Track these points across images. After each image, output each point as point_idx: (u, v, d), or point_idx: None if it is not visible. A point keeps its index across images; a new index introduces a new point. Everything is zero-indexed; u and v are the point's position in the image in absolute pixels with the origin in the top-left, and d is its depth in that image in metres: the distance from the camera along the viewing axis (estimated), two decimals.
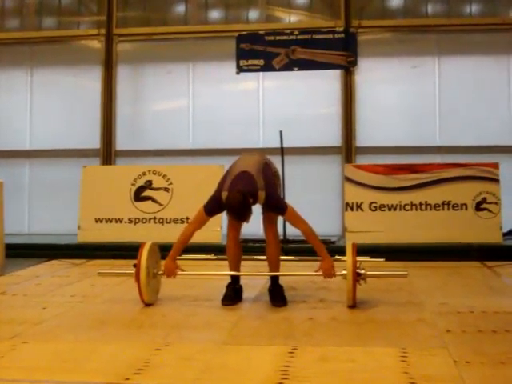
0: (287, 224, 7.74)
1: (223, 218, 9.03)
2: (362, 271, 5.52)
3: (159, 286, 6.07)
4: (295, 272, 6.52)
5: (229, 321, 5.16)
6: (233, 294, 5.78)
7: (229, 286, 5.85)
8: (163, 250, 8.95)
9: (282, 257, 5.90)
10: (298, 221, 5.65)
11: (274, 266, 5.77)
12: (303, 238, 5.74)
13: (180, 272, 5.80)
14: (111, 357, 4.07)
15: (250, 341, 4.50)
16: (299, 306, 5.62)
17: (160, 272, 5.88)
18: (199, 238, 9.02)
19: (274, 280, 5.84)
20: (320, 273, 5.64)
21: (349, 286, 5.44)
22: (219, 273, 6.08)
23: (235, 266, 5.85)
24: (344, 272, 5.51)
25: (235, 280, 5.89)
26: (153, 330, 4.80)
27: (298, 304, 5.70)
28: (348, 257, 5.56)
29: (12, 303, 5.96)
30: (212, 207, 5.74)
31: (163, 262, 5.90)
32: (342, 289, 6.29)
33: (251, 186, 5.51)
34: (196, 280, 6.86)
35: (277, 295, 5.74)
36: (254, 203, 5.53)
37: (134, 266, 5.66)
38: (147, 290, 5.66)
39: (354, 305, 5.51)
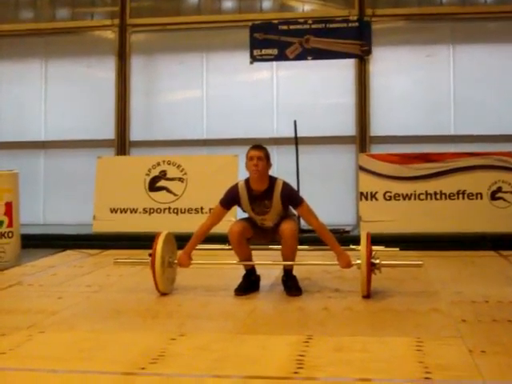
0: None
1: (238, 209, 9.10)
2: (377, 261, 5.50)
3: (175, 275, 6.09)
4: (311, 261, 6.49)
5: (244, 310, 5.18)
6: (246, 285, 5.78)
7: (244, 277, 5.86)
8: (178, 240, 9.00)
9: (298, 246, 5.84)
10: (312, 216, 5.69)
11: (290, 258, 5.75)
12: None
13: (193, 262, 5.82)
14: (127, 346, 4.09)
15: (265, 330, 4.51)
16: (314, 296, 5.62)
17: (175, 261, 5.90)
18: (213, 228, 9.09)
19: (288, 270, 5.83)
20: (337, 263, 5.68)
21: (363, 276, 5.44)
22: (233, 262, 6.07)
23: (247, 257, 5.85)
24: (358, 262, 5.50)
25: (250, 272, 5.88)
26: (168, 320, 4.83)
27: (313, 294, 5.71)
28: (362, 247, 5.56)
29: (28, 293, 6.01)
30: (228, 198, 5.77)
31: (179, 252, 5.92)
32: (357, 278, 6.28)
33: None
34: (211, 270, 6.88)
35: (291, 285, 5.74)
36: (271, 194, 5.58)
37: (150, 255, 5.68)
38: (162, 279, 5.69)
39: (368, 295, 5.51)
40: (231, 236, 5.71)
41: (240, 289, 5.74)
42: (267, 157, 5.67)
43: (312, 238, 8.44)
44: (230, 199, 5.77)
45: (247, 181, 5.69)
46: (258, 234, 5.83)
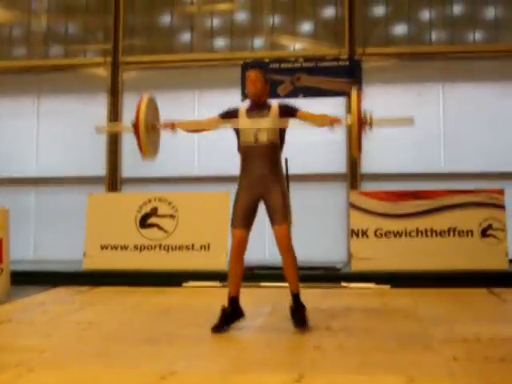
0: None
1: (229, 241, 9.09)
2: (368, 117, 5.55)
3: (158, 140, 6.13)
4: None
5: (235, 348, 5.15)
6: (223, 321, 5.68)
7: (222, 312, 5.75)
8: (169, 277, 9.04)
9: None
10: (309, 117, 5.94)
11: (292, 276, 5.73)
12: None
13: (178, 124, 5.97)
14: None
15: (256, 369, 4.48)
16: (305, 334, 5.59)
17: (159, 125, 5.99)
18: (204, 264, 9.12)
19: (296, 296, 5.76)
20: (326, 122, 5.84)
21: (354, 132, 5.53)
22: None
23: (234, 284, 5.79)
24: (348, 118, 5.60)
25: (232, 301, 5.79)
26: (159, 358, 4.79)
27: (304, 332, 5.68)
28: (353, 102, 5.60)
29: (17, 331, 5.96)
30: (227, 110, 5.98)
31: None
32: (348, 316, 6.29)
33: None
34: (202, 306, 6.86)
35: (298, 318, 5.67)
36: (268, 106, 5.82)
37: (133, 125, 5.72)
38: (146, 142, 5.75)
39: (360, 154, 5.65)
40: (234, 247, 5.76)
41: (216, 327, 5.65)
42: (265, 78, 5.90)
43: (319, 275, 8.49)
44: (229, 110, 5.96)
45: (244, 105, 5.94)
46: (249, 193, 5.83)
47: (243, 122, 5.84)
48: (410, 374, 4.14)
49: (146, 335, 5.61)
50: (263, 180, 5.80)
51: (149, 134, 5.77)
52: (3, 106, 12.06)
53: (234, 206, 5.90)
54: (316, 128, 6.00)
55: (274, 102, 5.91)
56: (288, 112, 5.88)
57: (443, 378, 4.08)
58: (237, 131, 5.93)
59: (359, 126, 5.47)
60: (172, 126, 5.97)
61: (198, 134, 6.12)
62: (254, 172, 5.81)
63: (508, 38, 11.05)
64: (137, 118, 5.73)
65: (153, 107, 6.06)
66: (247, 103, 5.95)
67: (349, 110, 6.00)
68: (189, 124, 6.16)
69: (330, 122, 5.79)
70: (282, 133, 5.91)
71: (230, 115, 5.95)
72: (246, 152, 5.86)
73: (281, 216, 5.74)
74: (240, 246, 5.75)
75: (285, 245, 5.68)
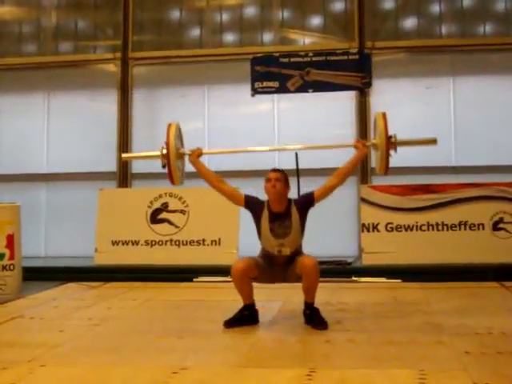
0: None
1: (240, 238, 9.09)
2: (393, 139, 5.70)
3: (184, 166, 6.26)
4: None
5: (246, 343, 5.15)
6: (237, 318, 5.69)
7: (239, 311, 5.76)
8: (180, 273, 9.05)
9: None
10: (328, 186, 5.83)
11: (312, 291, 5.63)
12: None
13: (205, 151, 6.16)
14: (129, 380, 4.07)
15: (267, 364, 4.48)
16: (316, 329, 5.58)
17: (186, 151, 6.08)
18: (215, 259, 9.12)
19: (309, 304, 5.70)
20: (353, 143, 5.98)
21: (382, 151, 5.72)
22: None
23: (246, 297, 5.73)
24: (374, 141, 5.88)
25: (247, 307, 5.76)
26: (170, 353, 4.80)
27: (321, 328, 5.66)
28: (380, 124, 5.75)
29: (29, 326, 5.99)
30: (253, 198, 5.85)
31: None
32: (359, 310, 6.29)
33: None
34: (212, 302, 6.88)
35: (316, 319, 5.62)
36: (289, 213, 5.66)
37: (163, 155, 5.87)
38: (176, 170, 5.95)
39: (386, 172, 5.74)
40: (234, 272, 5.60)
41: (229, 321, 5.66)
42: (286, 179, 5.74)
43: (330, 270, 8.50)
44: (255, 200, 5.83)
45: (267, 201, 5.74)
46: (265, 273, 5.72)
47: (266, 234, 5.69)
48: (421, 368, 4.13)
49: (157, 330, 5.63)
50: (285, 270, 5.73)
51: (177, 161, 5.88)
52: (14, 102, 12.09)
53: (259, 257, 5.84)
54: (351, 171, 5.97)
55: (292, 201, 5.73)
56: (307, 204, 5.77)
57: (455, 372, 4.07)
58: (257, 225, 5.77)
59: (387, 148, 5.55)
60: (199, 155, 6.03)
61: (208, 183, 5.99)
62: (277, 268, 5.74)
63: None
64: (167, 148, 5.83)
65: (178, 133, 6.13)
66: (267, 202, 5.74)
67: (374, 130, 6.04)
68: (209, 172, 6.08)
69: (356, 146, 5.93)
70: (302, 222, 5.75)
71: (253, 204, 5.81)
72: (268, 255, 5.75)
73: (304, 255, 5.73)
74: (243, 274, 5.60)
75: (313, 263, 5.49)
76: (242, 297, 5.73)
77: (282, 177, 5.71)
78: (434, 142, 6.06)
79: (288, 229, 5.64)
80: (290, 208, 5.69)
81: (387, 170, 5.84)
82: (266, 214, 5.69)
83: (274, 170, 5.79)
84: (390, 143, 5.77)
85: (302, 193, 6.27)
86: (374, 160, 6.17)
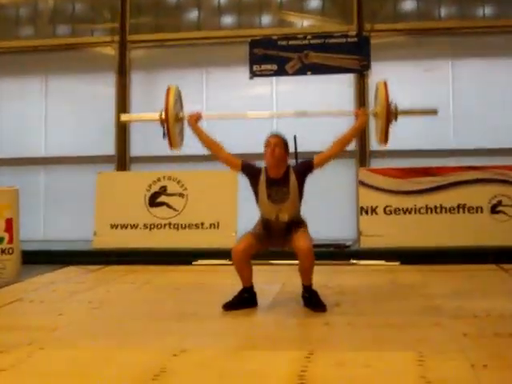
0: None
1: (239, 221, 9.09)
2: (394, 109, 5.72)
3: (183, 131, 6.29)
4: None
5: (245, 326, 5.17)
6: (236, 301, 5.69)
7: (238, 293, 5.77)
8: (178, 256, 9.07)
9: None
10: (327, 154, 5.90)
11: (308, 273, 5.63)
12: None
13: (205, 115, 6.13)
14: (128, 363, 4.08)
15: (266, 346, 4.49)
16: (315, 311, 5.60)
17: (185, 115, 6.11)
18: (214, 243, 9.13)
19: (308, 286, 5.70)
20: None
21: (382, 122, 5.72)
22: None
23: (246, 279, 5.73)
24: (375, 110, 5.86)
25: (246, 289, 5.77)
26: (169, 336, 4.81)
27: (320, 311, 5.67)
28: (381, 93, 5.77)
29: (29, 310, 6.00)
30: (251, 164, 5.82)
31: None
32: (358, 293, 6.31)
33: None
34: (211, 285, 6.90)
35: (315, 301, 5.62)
36: (288, 179, 5.63)
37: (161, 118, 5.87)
38: (175, 134, 6.00)
39: (386, 143, 5.78)
40: (235, 254, 5.60)
41: (228, 304, 5.67)
42: (285, 145, 5.70)
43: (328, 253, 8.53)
44: (252, 166, 5.80)
45: (265, 167, 5.71)
46: (264, 241, 5.73)
47: (263, 200, 5.66)
48: (419, 350, 4.14)
49: (156, 313, 5.64)
50: (284, 235, 5.70)
51: (176, 125, 5.87)
52: (11, 86, 12.06)
53: (255, 226, 5.83)
54: (351, 140, 6.06)
55: (291, 169, 5.69)
56: (305, 170, 5.75)
57: (453, 354, 4.09)
58: (255, 192, 5.74)
59: (387, 116, 5.52)
60: (198, 118, 6.04)
61: (205, 148, 5.98)
62: (275, 233, 5.72)
63: None
64: (166, 110, 5.81)
65: (178, 97, 6.11)
66: (265, 169, 5.70)
67: (375, 100, 6.02)
68: (207, 136, 6.07)
69: (356, 114, 5.95)
70: (301, 188, 5.72)
71: (250, 170, 5.77)
72: (266, 222, 5.74)
73: (301, 232, 5.67)
74: (243, 254, 5.60)
75: (307, 247, 5.49)
76: (241, 279, 5.73)
77: (281, 142, 5.67)
78: (434, 112, 6.07)
79: (286, 195, 5.61)
80: (288, 174, 5.66)
81: (387, 140, 5.83)
82: (263, 180, 5.66)
83: (274, 136, 5.74)
84: (391, 112, 5.73)
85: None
86: (374, 131, 6.12)
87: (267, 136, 5.75)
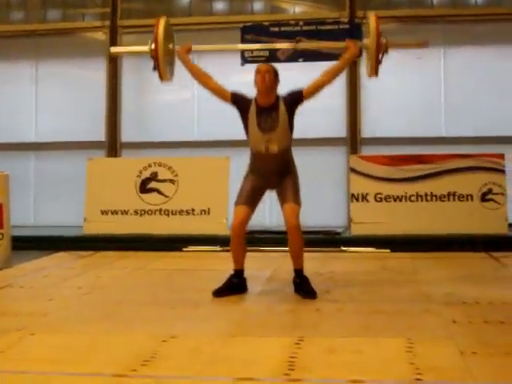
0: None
1: (229, 207, 9.07)
2: (384, 40, 5.74)
3: (174, 64, 6.30)
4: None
5: (235, 312, 5.18)
6: (226, 287, 5.70)
7: (228, 279, 5.78)
8: (169, 242, 9.07)
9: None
10: (316, 84, 5.84)
11: (298, 255, 5.68)
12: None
13: (195, 47, 6.12)
14: (118, 348, 4.08)
15: (256, 332, 4.51)
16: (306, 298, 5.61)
17: (176, 47, 6.14)
18: (204, 229, 9.13)
19: (299, 271, 5.73)
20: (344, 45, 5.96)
21: (372, 53, 5.74)
22: None
23: (238, 261, 5.75)
24: (365, 42, 5.88)
25: (238, 273, 5.79)
26: (159, 322, 4.81)
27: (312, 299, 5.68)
28: (371, 26, 5.79)
29: (19, 295, 5.99)
30: (240, 94, 5.80)
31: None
32: (348, 279, 6.33)
33: None
34: (202, 271, 6.90)
35: (305, 288, 5.64)
36: (277, 107, 5.63)
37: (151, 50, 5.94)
38: (165, 66, 5.99)
39: (376, 74, 5.84)
40: (233, 231, 5.64)
41: (218, 291, 5.67)
42: (275, 73, 5.70)
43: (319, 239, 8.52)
44: (242, 97, 5.77)
45: (255, 98, 5.70)
46: (258, 189, 5.73)
47: (253, 129, 5.64)
48: (409, 337, 4.16)
49: (146, 299, 5.64)
50: (274, 178, 5.70)
51: (166, 57, 5.88)
52: (1, 70, 12.00)
53: (240, 188, 5.78)
54: (341, 71, 5.96)
55: (280, 98, 5.68)
56: (294, 99, 5.72)
57: (442, 341, 4.11)
58: (245, 124, 5.72)
59: (378, 46, 5.64)
60: (188, 50, 6.06)
61: (195, 79, 6.01)
62: (265, 173, 5.70)
63: (510, 0, 10.93)
64: (155, 42, 5.82)
65: (168, 30, 6.11)
66: (254, 99, 5.69)
67: (366, 34, 6.04)
68: (196, 67, 6.09)
69: (347, 45, 5.89)
70: (290, 119, 5.71)
71: (241, 100, 5.75)
72: (256, 155, 5.73)
73: (291, 196, 5.64)
74: (241, 226, 5.64)
75: (293, 224, 5.56)
76: (234, 259, 5.75)
77: (271, 69, 5.68)
78: (424, 43, 6.14)
79: (275, 122, 5.60)
80: (277, 103, 5.66)
81: (377, 71, 5.87)
82: (253, 109, 5.65)
83: (264, 63, 5.83)
84: (381, 43, 5.78)
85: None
86: (365, 64, 6.17)
87: (257, 65, 5.80)
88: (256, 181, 5.73)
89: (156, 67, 6.00)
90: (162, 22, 6.02)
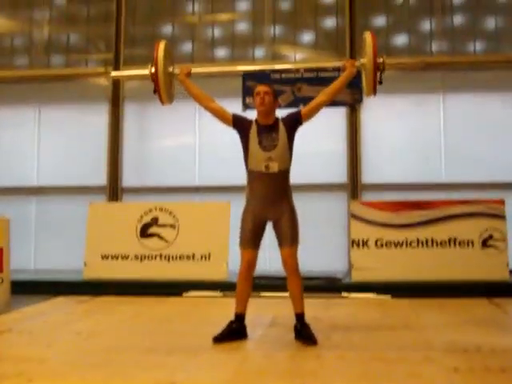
0: None
1: (230, 252, 9.06)
2: (381, 60, 5.77)
3: (174, 87, 6.37)
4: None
5: (235, 359, 5.14)
6: (226, 333, 5.67)
7: (228, 324, 5.76)
8: (169, 287, 9.04)
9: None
10: (315, 104, 5.87)
11: (298, 298, 5.68)
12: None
13: (194, 70, 6.20)
14: None
15: (256, 380, 4.47)
16: (306, 345, 5.58)
17: (176, 70, 6.19)
18: (205, 274, 9.11)
19: (300, 317, 5.71)
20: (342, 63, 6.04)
21: (369, 73, 5.79)
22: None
23: (242, 302, 5.76)
24: (362, 61, 5.92)
25: (238, 318, 5.78)
26: (159, 369, 4.77)
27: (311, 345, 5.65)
28: (368, 47, 5.84)
29: (18, 341, 5.95)
30: (240, 116, 5.90)
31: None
32: (349, 326, 6.29)
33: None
34: (202, 317, 6.86)
35: (305, 334, 5.60)
36: (277, 127, 5.69)
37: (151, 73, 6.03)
38: (165, 88, 6.08)
39: (374, 94, 5.86)
40: (240, 275, 5.69)
41: (218, 337, 5.63)
42: (274, 93, 5.76)
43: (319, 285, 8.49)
44: (243, 119, 5.87)
45: (255, 119, 5.79)
46: (258, 221, 5.71)
47: (254, 149, 5.69)
48: None
49: (146, 345, 5.60)
50: (273, 206, 5.70)
51: (166, 80, 5.94)
52: (5, 115, 12.10)
53: (242, 226, 5.80)
54: (339, 91, 6.00)
55: (280, 121, 5.76)
56: (293, 121, 5.79)
57: None
58: (245, 146, 5.79)
59: (375, 65, 5.72)
60: (188, 74, 6.17)
61: (196, 102, 6.11)
62: (264, 197, 5.71)
63: (509, 48, 11.08)
64: (155, 65, 5.90)
65: (167, 53, 6.22)
66: (255, 120, 5.79)
67: (363, 53, 6.11)
68: (198, 89, 6.17)
69: (344, 65, 5.98)
70: (290, 140, 5.75)
71: (241, 122, 5.85)
72: (256, 177, 5.74)
73: (289, 239, 5.67)
74: (250, 268, 5.71)
75: (292, 267, 5.62)
76: (237, 302, 5.75)
77: (270, 91, 5.74)
78: (422, 64, 6.28)
79: (276, 141, 5.65)
80: (277, 124, 5.72)
81: (375, 90, 5.91)
82: (254, 129, 5.71)
83: (263, 84, 5.84)
84: (378, 63, 5.85)
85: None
86: (364, 83, 6.22)
87: (256, 86, 5.85)
88: (255, 213, 5.73)
89: (156, 90, 6.06)
90: (161, 46, 6.12)
